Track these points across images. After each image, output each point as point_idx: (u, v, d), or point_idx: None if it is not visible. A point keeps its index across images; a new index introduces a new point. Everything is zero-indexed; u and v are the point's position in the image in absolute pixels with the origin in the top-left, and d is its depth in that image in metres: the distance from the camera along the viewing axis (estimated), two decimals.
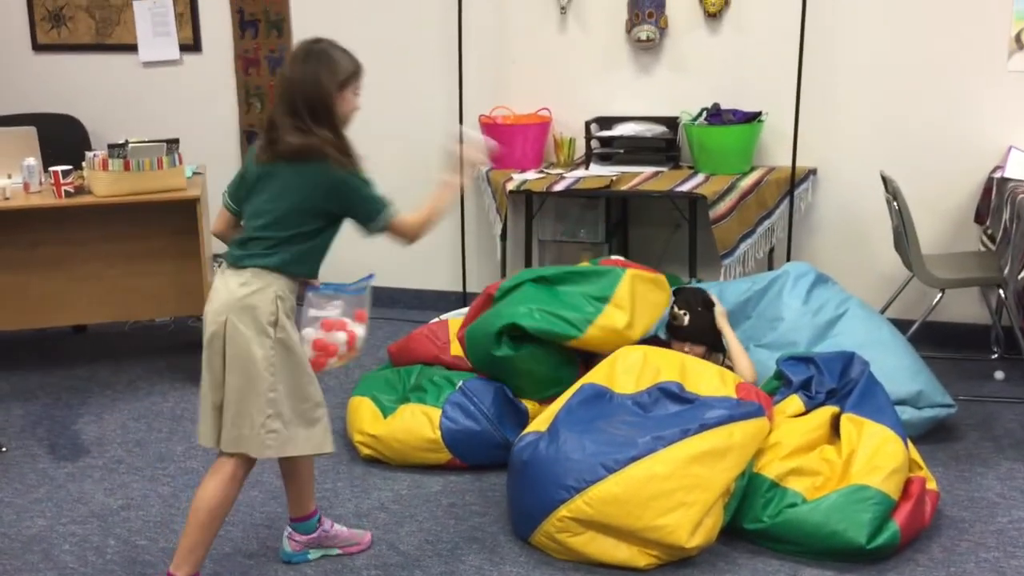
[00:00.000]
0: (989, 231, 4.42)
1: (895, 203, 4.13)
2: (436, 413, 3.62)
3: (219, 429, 2.80)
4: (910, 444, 3.31)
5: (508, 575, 3.02)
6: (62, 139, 5.09)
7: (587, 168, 4.81)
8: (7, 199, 4.22)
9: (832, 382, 3.42)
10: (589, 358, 3.68)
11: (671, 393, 3.26)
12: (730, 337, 3.73)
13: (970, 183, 4.59)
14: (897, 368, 3.72)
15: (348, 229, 2.87)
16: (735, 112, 4.69)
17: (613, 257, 4.09)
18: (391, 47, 5.13)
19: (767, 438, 3.20)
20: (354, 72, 2.79)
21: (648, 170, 4.74)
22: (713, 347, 3.75)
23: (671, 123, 4.80)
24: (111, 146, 4.15)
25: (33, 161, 4.32)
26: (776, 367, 3.60)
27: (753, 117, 4.68)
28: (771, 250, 4.78)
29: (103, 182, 4.16)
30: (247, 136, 5.50)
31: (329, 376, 4.28)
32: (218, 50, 5.47)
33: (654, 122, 4.82)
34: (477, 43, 5.09)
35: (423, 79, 5.19)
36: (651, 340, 3.74)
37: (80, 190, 4.25)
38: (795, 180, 4.71)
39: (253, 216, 2.80)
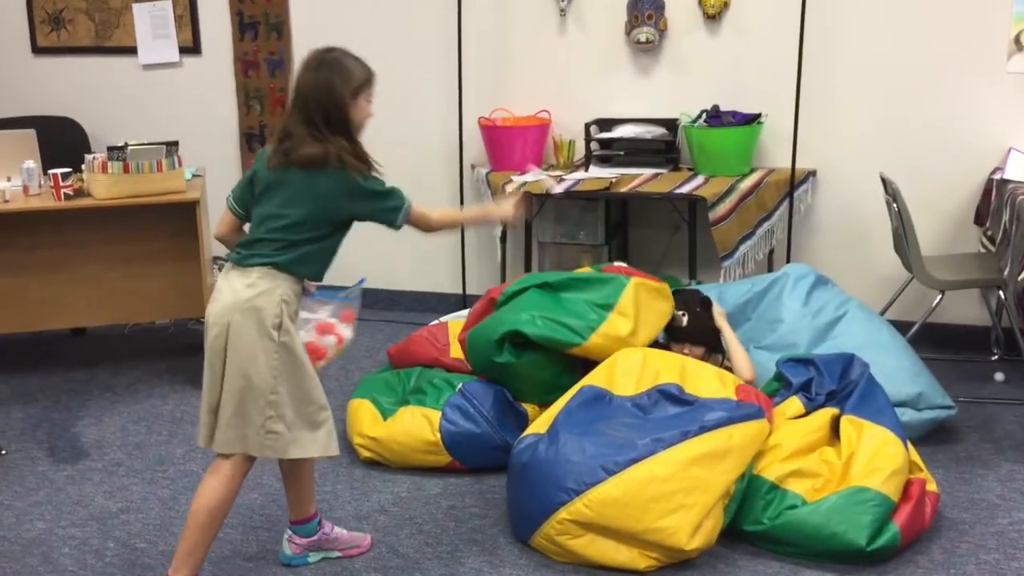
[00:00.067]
0: (989, 232, 4.42)
1: (895, 204, 4.13)
2: (436, 415, 3.61)
3: (214, 430, 2.80)
4: (910, 446, 3.30)
5: None
6: (61, 142, 5.08)
7: (587, 170, 4.80)
8: (7, 202, 4.21)
9: (832, 384, 3.41)
10: (590, 366, 3.65)
11: (671, 395, 3.26)
12: (729, 336, 3.73)
13: (970, 184, 4.58)
14: (897, 370, 3.72)
15: (348, 230, 2.88)
16: (735, 114, 4.69)
17: (616, 264, 4.06)
18: (391, 49, 5.12)
19: (767, 440, 3.20)
20: (367, 79, 2.81)
21: (648, 172, 4.74)
22: (712, 348, 3.75)
23: (671, 125, 4.79)
24: (110, 148, 4.14)
25: (32, 164, 4.31)
26: (776, 369, 3.59)
27: (752, 119, 4.68)
28: (771, 252, 4.78)
29: (102, 184, 4.16)
30: (246, 138, 5.50)
31: (329, 378, 4.29)
32: (218, 52, 5.47)
33: (654, 124, 4.81)
34: (477, 45, 5.09)
35: (423, 81, 5.19)
36: (650, 343, 3.73)
37: (79, 193, 4.25)
38: (795, 182, 4.71)
39: (262, 220, 2.80)
